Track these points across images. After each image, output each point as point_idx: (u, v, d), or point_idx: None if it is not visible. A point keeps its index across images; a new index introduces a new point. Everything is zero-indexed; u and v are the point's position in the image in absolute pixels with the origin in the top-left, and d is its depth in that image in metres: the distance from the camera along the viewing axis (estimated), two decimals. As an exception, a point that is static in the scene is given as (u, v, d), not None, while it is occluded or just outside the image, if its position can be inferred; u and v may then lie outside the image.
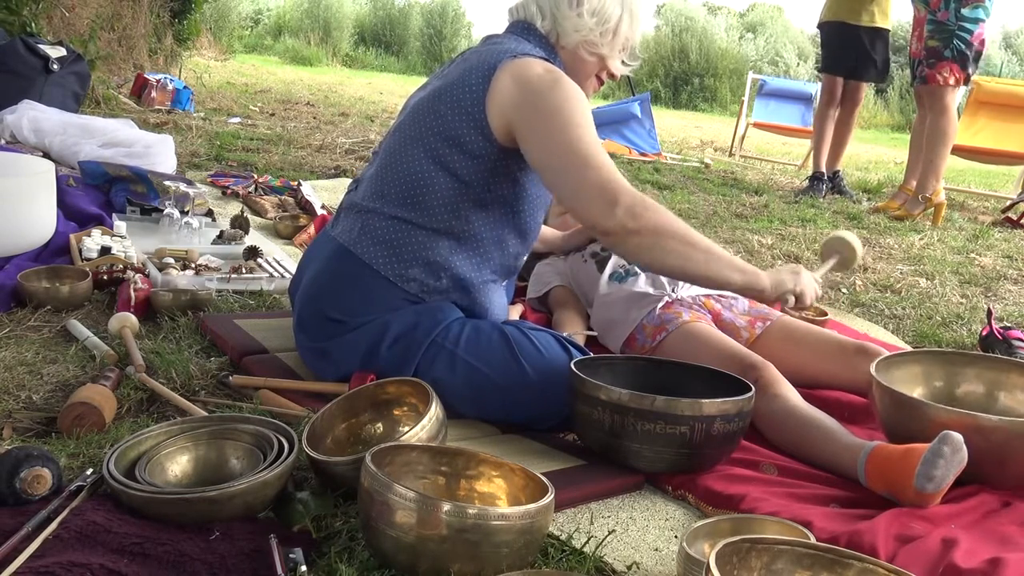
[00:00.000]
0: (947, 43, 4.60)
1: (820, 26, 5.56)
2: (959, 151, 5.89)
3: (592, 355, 1.75)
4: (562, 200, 1.66)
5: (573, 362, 1.63)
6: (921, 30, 4.72)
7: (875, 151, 11.16)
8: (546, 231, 2.52)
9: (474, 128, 1.66)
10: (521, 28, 1.80)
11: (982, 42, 4.63)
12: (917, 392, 1.78)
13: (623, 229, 1.57)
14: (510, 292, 2.08)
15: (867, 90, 7.09)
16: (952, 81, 4.63)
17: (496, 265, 1.78)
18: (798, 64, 17.80)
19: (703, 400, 1.48)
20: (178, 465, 1.35)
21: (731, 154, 7.85)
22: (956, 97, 4.72)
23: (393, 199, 1.71)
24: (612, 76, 1.87)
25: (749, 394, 1.55)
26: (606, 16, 1.77)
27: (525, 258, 1.91)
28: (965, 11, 4.55)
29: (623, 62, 1.86)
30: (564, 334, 1.97)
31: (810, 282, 1.84)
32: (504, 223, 1.75)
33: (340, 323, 1.72)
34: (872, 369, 1.70)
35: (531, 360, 1.67)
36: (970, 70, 4.66)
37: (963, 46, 4.58)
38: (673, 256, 1.61)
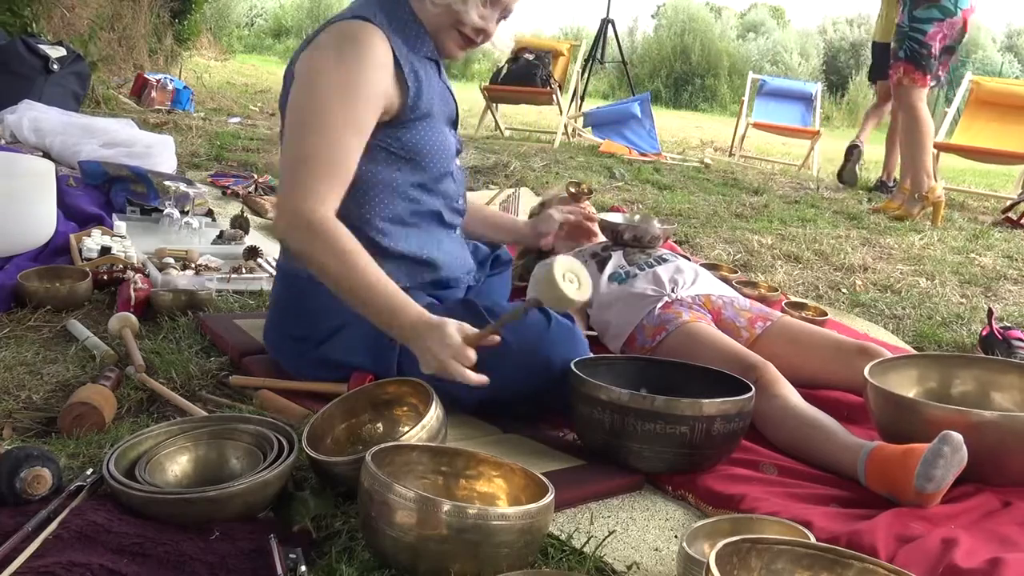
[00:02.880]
0: (900, 44, 4.71)
1: (872, 44, 6.30)
2: (959, 151, 5.88)
3: (592, 355, 1.75)
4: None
5: (573, 362, 1.62)
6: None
7: (875, 151, 11.16)
8: (506, 219, 2.35)
9: None
10: None
11: (943, 39, 4.65)
12: (912, 394, 1.78)
13: (281, 236, 1.58)
14: (507, 291, 2.08)
15: (868, 92, 7.38)
16: (907, 81, 4.71)
17: (403, 210, 1.71)
18: (799, 64, 17.80)
19: (703, 400, 1.48)
20: (178, 465, 1.35)
21: (731, 154, 7.84)
22: (921, 95, 4.78)
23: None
24: (480, 32, 1.68)
25: (749, 394, 1.55)
26: None
27: (456, 201, 1.82)
28: (917, 12, 4.63)
29: (483, 14, 1.65)
30: None
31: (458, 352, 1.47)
32: (387, 166, 1.69)
33: (305, 339, 1.72)
34: (866, 372, 1.70)
35: (507, 327, 1.57)
36: (930, 70, 4.70)
37: (916, 46, 4.64)
38: (334, 290, 1.53)
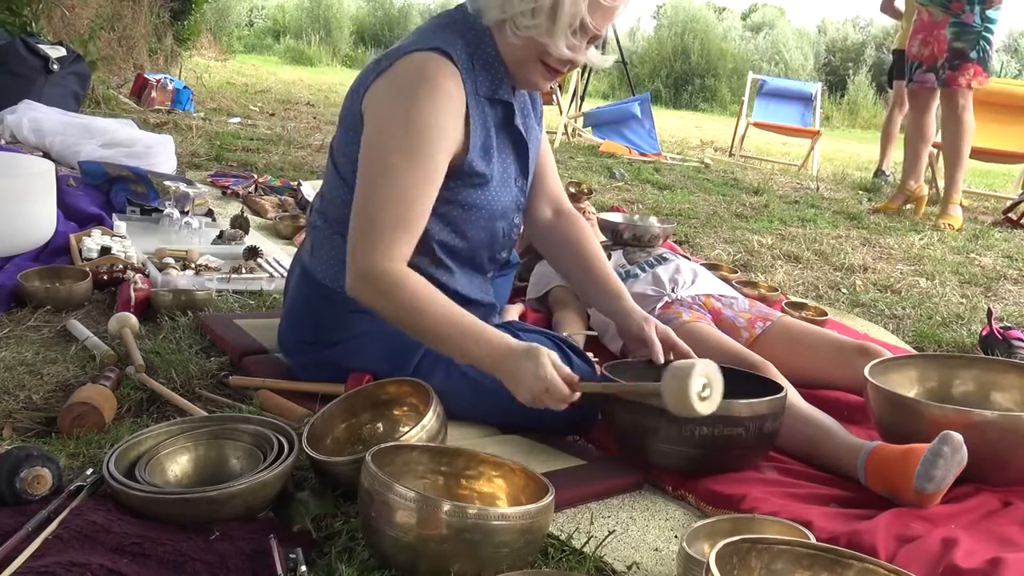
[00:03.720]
0: (974, 45, 4.55)
1: (893, 52, 6.52)
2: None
3: (621, 359, 1.77)
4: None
5: (606, 367, 1.63)
6: (934, 34, 4.64)
7: (875, 151, 11.16)
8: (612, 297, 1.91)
9: (358, 142, 1.57)
10: (453, 11, 1.63)
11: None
12: (912, 394, 1.78)
13: (351, 294, 1.52)
14: (507, 291, 2.08)
15: (868, 92, 7.46)
16: (976, 83, 4.60)
17: (435, 259, 1.67)
18: (799, 64, 17.80)
19: (754, 400, 1.50)
20: (178, 465, 1.35)
21: (731, 154, 7.84)
22: (970, 97, 4.69)
23: (331, 215, 1.69)
24: (567, 63, 1.57)
25: (783, 393, 1.58)
26: None
27: (494, 253, 1.77)
28: (990, 12, 4.53)
29: (572, 45, 1.54)
30: (564, 334, 1.96)
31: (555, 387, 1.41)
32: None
33: (319, 343, 1.71)
34: (866, 372, 1.70)
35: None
36: (989, 70, 4.65)
37: (988, 46, 4.57)
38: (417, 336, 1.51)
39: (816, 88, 8.19)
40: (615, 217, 2.55)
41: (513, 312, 2.26)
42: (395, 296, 1.48)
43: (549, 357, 1.42)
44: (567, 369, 1.44)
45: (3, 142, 3.73)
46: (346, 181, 1.63)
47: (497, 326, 1.71)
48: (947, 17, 4.60)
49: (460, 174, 1.61)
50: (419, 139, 1.51)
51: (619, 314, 1.76)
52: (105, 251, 2.42)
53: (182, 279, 2.31)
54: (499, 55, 1.60)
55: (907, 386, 1.79)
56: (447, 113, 1.53)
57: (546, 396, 1.41)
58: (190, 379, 1.76)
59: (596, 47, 1.69)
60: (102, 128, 3.81)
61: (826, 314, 2.56)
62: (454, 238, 1.67)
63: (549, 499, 1.19)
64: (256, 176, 3.91)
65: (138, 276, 2.20)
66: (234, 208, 3.37)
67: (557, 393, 1.41)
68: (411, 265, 1.55)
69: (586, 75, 8.45)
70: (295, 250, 2.88)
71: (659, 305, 2.10)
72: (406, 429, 1.47)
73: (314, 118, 6.97)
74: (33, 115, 3.88)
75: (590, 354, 1.86)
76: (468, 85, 1.57)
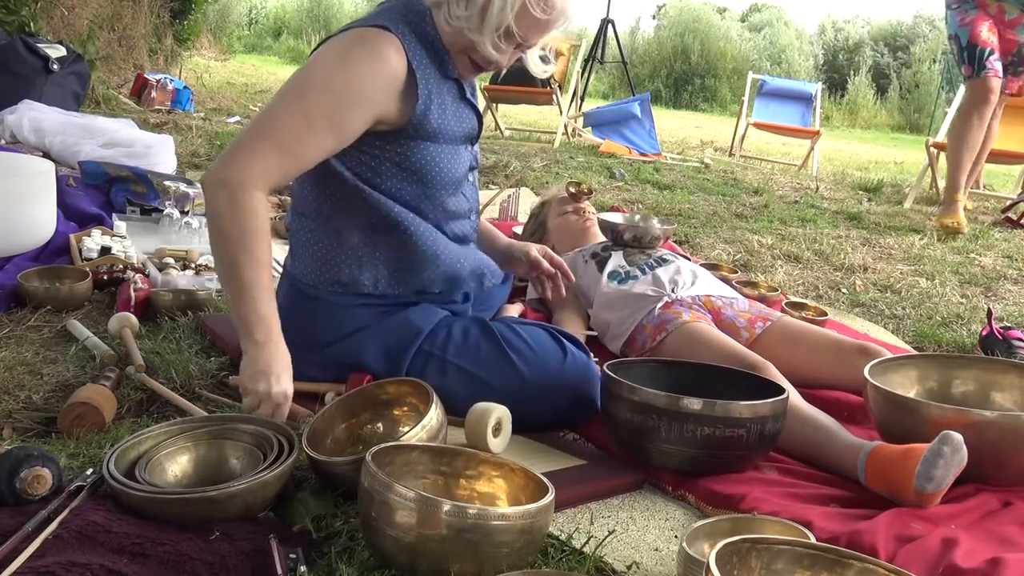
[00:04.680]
0: None
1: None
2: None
3: (621, 359, 1.77)
4: None
5: (607, 367, 1.63)
6: (1002, 31, 4.36)
7: (875, 151, 11.17)
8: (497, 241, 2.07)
9: None
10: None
11: None
12: (912, 394, 1.78)
13: (208, 187, 1.49)
14: (506, 291, 2.08)
15: (868, 92, 6.99)
16: (1017, 91, 4.46)
17: (404, 216, 1.67)
18: (800, 64, 17.80)
19: (756, 402, 1.50)
20: (178, 465, 1.35)
21: (731, 154, 7.84)
22: None
23: (302, 208, 1.71)
24: (491, 63, 1.64)
25: (784, 395, 1.57)
26: None
27: (468, 217, 1.79)
28: None
29: (498, 47, 1.59)
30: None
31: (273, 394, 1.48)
32: (393, 178, 1.66)
33: (315, 345, 1.71)
34: (866, 372, 1.70)
35: (523, 357, 1.66)
36: None
37: None
38: (215, 255, 1.52)
39: (816, 88, 8.19)
40: (615, 217, 2.55)
41: (513, 312, 2.26)
42: (239, 211, 1.46)
43: (287, 378, 1.47)
44: (289, 402, 1.49)
45: (3, 142, 3.73)
46: (307, 171, 1.62)
47: (492, 320, 1.73)
48: (1021, 17, 4.32)
49: (409, 134, 1.62)
50: (339, 91, 1.53)
51: (503, 253, 1.97)
52: (105, 251, 2.42)
53: (182, 279, 2.31)
54: (440, 36, 1.63)
55: (907, 386, 1.79)
56: (376, 75, 1.55)
57: (263, 402, 1.45)
58: (190, 379, 1.76)
59: (545, 54, 1.74)
60: (102, 128, 3.81)
61: (826, 314, 2.56)
62: (425, 203, 1.67)
63: (549, 499, 1.19)
64: (256, 176, 3.90)
65: (138, 276, 2.20)
66: (234, 208, 3.37)
67: (267, 407, 1.46)
68: (379, 246, 1.61)
69: (586, 75, 8.45)
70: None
71: (659, 305, 2.10)
72: (406, 429, 1.47)
73: (314, 118, 6.96)
74: (33, 115, 3.88)
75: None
76: (414, 56, 1.59)
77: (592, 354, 1.85)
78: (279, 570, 1.11)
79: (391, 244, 1.67)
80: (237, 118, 6.13)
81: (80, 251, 2.42)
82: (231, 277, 1.48)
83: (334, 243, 1.67)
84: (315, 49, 1.64)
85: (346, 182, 1.63)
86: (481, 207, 2.66)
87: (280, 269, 2.52)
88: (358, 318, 1.67)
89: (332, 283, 1.68)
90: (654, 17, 20.04)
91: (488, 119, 7.42)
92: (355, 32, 1.59)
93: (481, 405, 1.54)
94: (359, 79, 1.54)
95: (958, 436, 1.41)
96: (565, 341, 1.74)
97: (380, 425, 1.54)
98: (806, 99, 8.07)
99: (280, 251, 2.78)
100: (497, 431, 1.54)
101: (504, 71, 7.10)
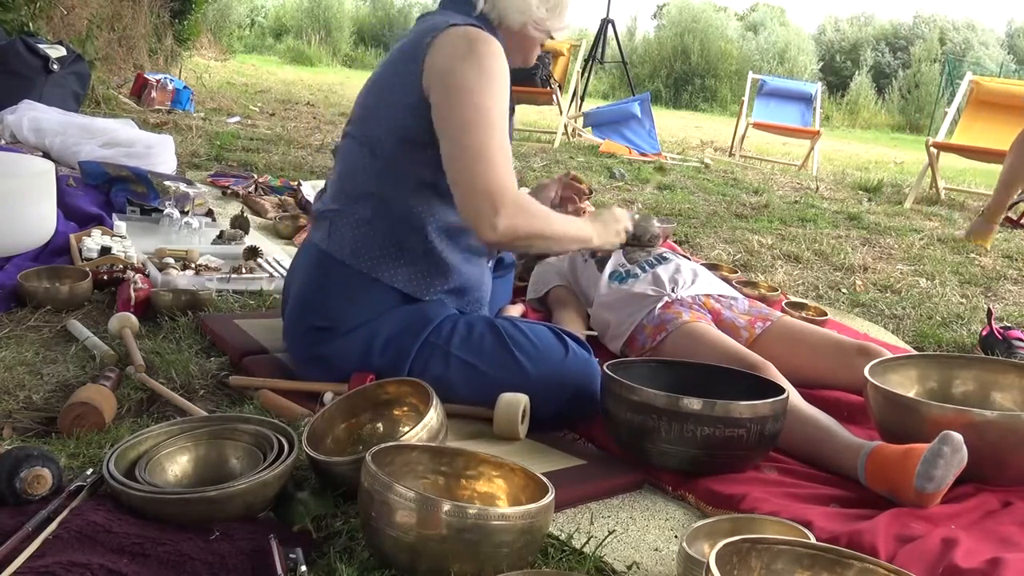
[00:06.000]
0: None
1: None
2: (959, 151, 5.89)
3: (620, 359, 1.77)
4: (452, 189, 1.61)
5: (607, 367, 1.63)
6: None
7: (875, 151, 11.17)
8: None
9: (417, 118, 1.63)
10: (456, 3, 1.74)
11: None
12: (912, 394, 1.78)
13: (502, 240, 1.59)
14: (508, 291, 2.08)
15: (868, 92, 6.87)
16: None
17: (466, 243, 1.75)
18: (800, 64, 17.80)
19: (756, 402, 1.50)
20: (178, 465, 1.35)
21: (731, 154, 7.85)
22: None
23: (352, 191, 1.72)
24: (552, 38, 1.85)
25: (785, 395, 1.57)
26: None
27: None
28: None
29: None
30: None
31: (624, 218, 1.94)
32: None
33: (329, 330, 1.71)
34: (866, 372, 1.70)
35: (525, 353, 1.68)
36: None
37: None
38: (537, 249, 1.84)
39: (816, 88, 8.19)
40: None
41: (513, 312, 2.26)
42: (531, 208, 1.63)
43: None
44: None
45: (3, 142, 3.73)
46: (375, 154, 1.68)
47: (496, 317, 1.74)
48: None
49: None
50: (495, 90, 1.61)
51: (533, 192, 2.10)
52: (105, 251, 2.42)
53: (182, 279, 2.31)
54: (503, 41, 1.70)
55: (907, 386, 1.79)
56: (505, 68, 1.66)
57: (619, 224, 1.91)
58: (190, 379, 1.76)
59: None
60: (102, 128, 3.81)
61: (826, 314, 2.56)
62: (454, 215, 1.69)
63: (549, 499, 1.19)
64: (256, 176, 3.90)
65: (138, 276, 2.20)
66: (234, 208, 3.37)
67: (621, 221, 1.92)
68: (408, 249, 1.68)
69: (586, 75, 8.45)
70: (295, 250, 2.88)
71: (659, 305, 2.10)
72: (406, 429, 1.47)
73: (314, 118, 6.97)
74: (33, 115, 3.88)
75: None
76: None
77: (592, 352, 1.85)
78: (279, 570, 1.11)
79: (416, 249, 1.71)
80: (237, 118, 6.13)
81: (80, 251, 2.41)
82: (563, 241, 1.76)
83: (386, 233, 1.70)
84: (399, 64, 1.68)
85: (424, 179, 1.67)
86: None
87: (280, 269, 2.53)
88: (379, 304, 1.69)
89: (379, 271, 1.69)
90: (654, 17, 20.04)
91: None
92: (462, 33, 1.62)
93: (508, 395, 1.62)
94: (501, 69, 1.63)
95: (958, 436, 1.41)
96: (567, 338, 1.75)
97: (380, 425, 1.54)
98: (806, 99, 8.07)
99: (280, 251, 2.79)
100: (523, 419, 1.63)
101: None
